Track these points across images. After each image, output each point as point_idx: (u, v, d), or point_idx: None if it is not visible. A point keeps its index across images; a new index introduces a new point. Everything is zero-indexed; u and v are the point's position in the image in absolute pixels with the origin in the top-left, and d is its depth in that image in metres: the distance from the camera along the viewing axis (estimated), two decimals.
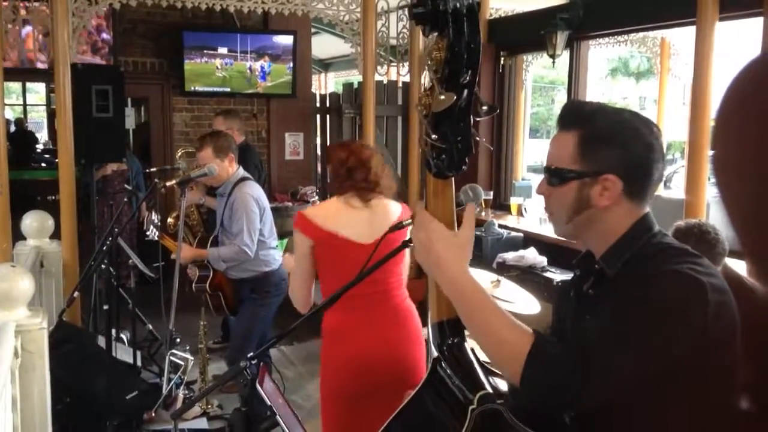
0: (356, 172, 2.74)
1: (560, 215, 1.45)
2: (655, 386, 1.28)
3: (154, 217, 4.11)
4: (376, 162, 2.80)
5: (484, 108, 1.33)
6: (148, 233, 4.11)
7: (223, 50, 7.11)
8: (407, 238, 1.64)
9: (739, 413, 1.30)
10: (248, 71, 7.22)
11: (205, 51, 7.07)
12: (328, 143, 7.61)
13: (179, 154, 5.10)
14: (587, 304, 1.46)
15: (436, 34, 1.28)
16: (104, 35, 6.82)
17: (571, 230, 1.46)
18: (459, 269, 1.36)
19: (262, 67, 7.25)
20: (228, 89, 7.23)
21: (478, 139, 1.34)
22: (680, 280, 1.26)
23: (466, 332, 1.48)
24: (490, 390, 1.39)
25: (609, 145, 1.37)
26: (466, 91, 1.28)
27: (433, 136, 1.30)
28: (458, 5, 1.23)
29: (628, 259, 1.38)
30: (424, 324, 2.74)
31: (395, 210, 2.79)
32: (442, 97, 1.25)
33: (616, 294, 1.34)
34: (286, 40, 7.31)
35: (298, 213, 2.75)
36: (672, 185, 12.38)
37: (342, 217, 2.70)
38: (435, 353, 1.50)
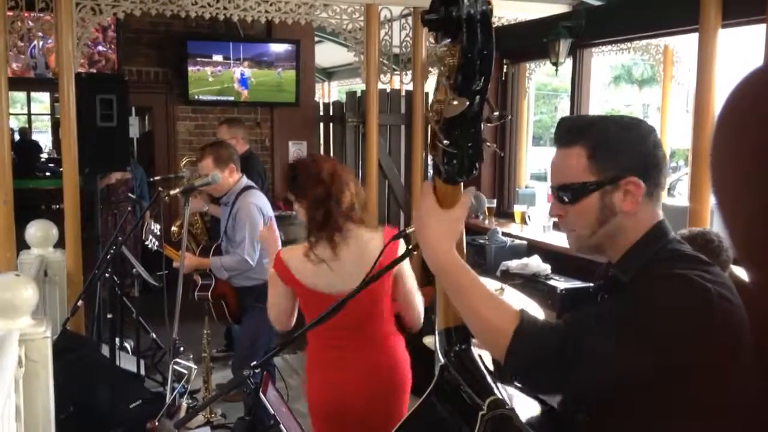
0: (333, 211, 2.53)
1: (583, 230, 1.43)
2: (654, 388, 1.28)
3: (154, 227, 4.11)
4: (350, 180, 2.62)
5: (495, 114, 1.34)
6: (148, 243, 4.11)
7: (218, 57, 7.12)
8: (410, 245, 1.64)
9: (742, 420, 1.30)
10: (238, 77, 7.21)
11: (208, 60, 7.10)
12: (331, 152, 7.62)
13: (183, 162, 5.11)
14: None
15: (448, 40, 1.28)
16: (100, 47, 6.83)
17: (595, 243, 1.44)
18: (445, 247, 1.38)
19: (242, 74, 7.23)
20: (231, 98, 7.25)
21: (489, 145, 1.34)
22: (685, 284, 1.26)
23: (473, 339, 1.48)
24: (499, 395, 1.39)
25: (621, 148, 1.37)
26: (478, 98, 1.28)
27: (445, 142, 1.31)
28: (472, 11, 1.23)
29: (642, 266, 1.37)
30: (431, 332, 2.71)
31: (371, 241, 2.56)
32: (455, 102, 1.26)
33: (627, 296, 1.35)
34: (279, 47, 7.32)
35: (278, 253, 2.62)
36: (676, 193, 12.37)
37: (319, 269, 2.54)
38: (442, 360, 1.50)
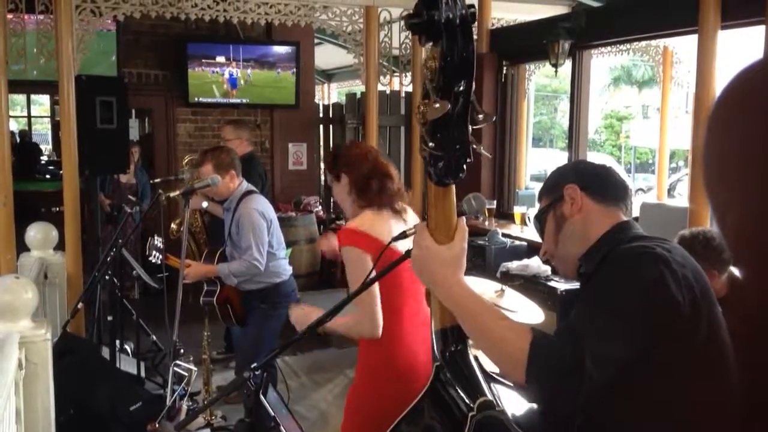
0: (386, 184, 2.60)
1: (551, 247, 1.62)
2: (644, 365, 1.31)
3: (157, 241, 4.09)
4: (393, 168, 2.69)
5: (480, 116, 1.34)
6: (151, 258, 4.08)
7: (221, 59, 7.12)
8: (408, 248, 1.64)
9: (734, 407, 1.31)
10: (227, 77, 7.22)
11: (208, 62, 7.10)
12: None
13: (186, 160, 5.12)
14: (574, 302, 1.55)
15: (431, 43, 1.29)
16: None
17: (564, 254, 1.61)
18: (454, 281, 1.40)
19: (231, 74, 7.22)
20: (243, 100, 7.25)
21: (475, 147, 1.35)
22: (643, 255, 1.38)
23: (469, 340, 1.49)
24: (490, 397, 1.40)
25: (559, 174, 1.66)
26: (461, 100, 1.29)
27: (430, 144, 1.32)
28: (451, 16, 1.25)
29: (605, 255, 1.49)
30: None
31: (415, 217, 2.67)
32: (437, 105, 1.27)
33: (595, 282, 1.48)
34: (281, 49, 7.33)
35: (346, 229, 2.51)
36: (676, 193, 12.38)
37: (388, 227, 2.53)
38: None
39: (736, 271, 2.61)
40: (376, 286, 2.43)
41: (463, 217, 1.44)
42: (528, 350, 1.30)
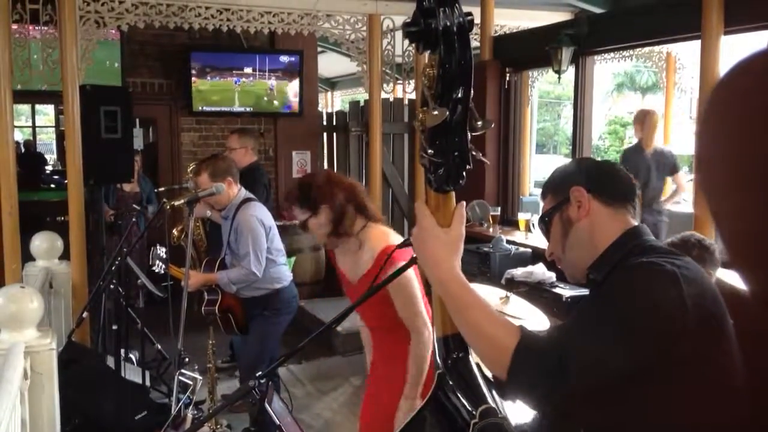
0: (366, 203, 2.69)
1: (558, 251, 1.56)
2: (644, 379, 1.30)
3: (160, 251, 4.10)
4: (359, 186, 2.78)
5: (479, 123, 1.36)
6: (154, 268, 4.08)
7: (247, 69, 7.16)
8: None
9: (734, 413, 1.30)
10: (268, 90, 7.24)
11: (212, 71, 7.12)
12: (335, 161, 7.63)
13: (190, 168, 5.12)
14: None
15: (429, 51, 1.31)
16: None
17: (572, 259, 1.55)
18: (448, 266, 1.40)
19: (272, 86, 7.27)
20: (246, 108, 7.27)
21: (474, 153, 1.36)
22: (653, 270, 1.33)
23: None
24: (492, 404, 1.40)
25: (564, 173, 1.60)
26: (459, 107, 1.31)
27: (429, 151, 1.34)
28: (448, 24, 1.26)
29: (615, 264, 1.45)
30: None
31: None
32: (435, 112, 1.29)
33: (601, 292, 1.44)
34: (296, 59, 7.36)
35: (388, 247, 2.50)
36: (681, 199, 12.32)
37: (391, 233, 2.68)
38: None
39: (722, 275, 2.61)
40: (418, 291, 2.51)
41: (462, 203, 1.44)
42: (513, 349, 1.30)
